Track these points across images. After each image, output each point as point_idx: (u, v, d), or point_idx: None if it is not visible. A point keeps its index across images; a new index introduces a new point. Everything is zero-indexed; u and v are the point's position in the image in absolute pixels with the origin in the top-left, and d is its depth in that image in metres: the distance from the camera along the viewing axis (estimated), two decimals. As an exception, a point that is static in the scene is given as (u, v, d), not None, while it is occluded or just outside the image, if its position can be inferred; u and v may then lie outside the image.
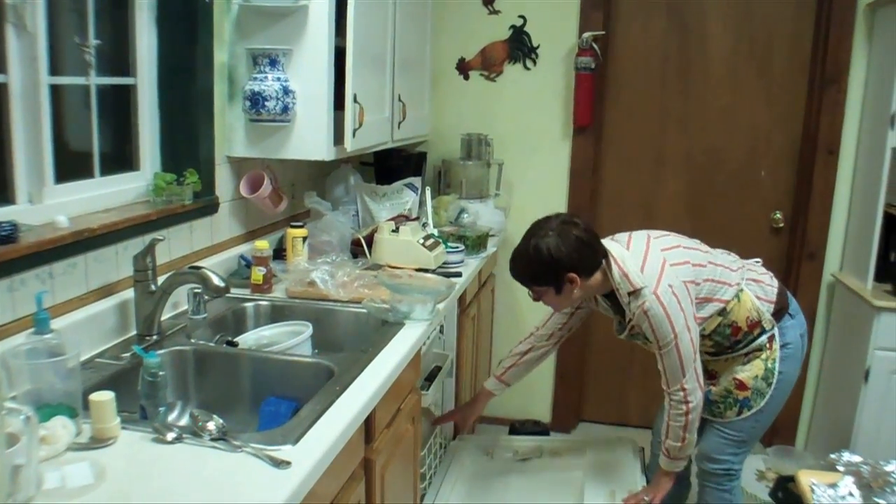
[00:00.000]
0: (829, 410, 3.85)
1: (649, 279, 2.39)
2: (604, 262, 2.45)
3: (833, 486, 1.73)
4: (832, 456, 1.84)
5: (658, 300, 2.36)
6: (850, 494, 1.69)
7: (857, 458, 1.80)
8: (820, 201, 3.81)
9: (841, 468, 1.79)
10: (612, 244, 2.51)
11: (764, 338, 2.60)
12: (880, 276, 3.49)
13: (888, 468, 1.73)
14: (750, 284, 2.60)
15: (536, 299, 2.55)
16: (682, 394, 2.46)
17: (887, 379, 3.36)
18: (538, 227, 2.44)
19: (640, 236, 2.55)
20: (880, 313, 3.31)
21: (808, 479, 1.80)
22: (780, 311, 2.62)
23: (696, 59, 3.92)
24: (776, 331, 2.61)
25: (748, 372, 2.62)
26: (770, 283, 2.65)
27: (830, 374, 3.87)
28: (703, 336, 2.55)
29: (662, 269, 2.41)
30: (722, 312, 2.54)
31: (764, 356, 2.62)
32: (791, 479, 1.92)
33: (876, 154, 3.44)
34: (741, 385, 2.62)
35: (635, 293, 2.39)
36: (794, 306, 2.70)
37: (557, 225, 2.41)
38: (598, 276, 2.46)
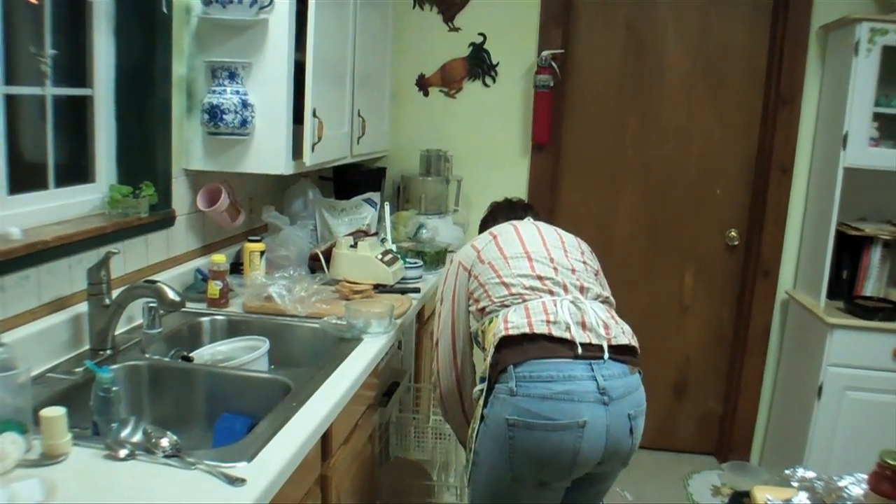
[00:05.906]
0: (783, 426, 3.89)
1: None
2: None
3: (787, 501, 1.73)
4: (787, 471, 1.84)
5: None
6: (805, 510, 1.71)
7: (811, 474, 1.81)
8: (774, 219, 3.87)
9: (795, 484, 1.79)
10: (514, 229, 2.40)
11: (480, 385, 2.07)
12: (833, 294, 3.57)
13: (841, 483, 1.75)
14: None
15: None
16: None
17: (840, 395, 3.41)
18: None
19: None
20: (833, 330, 3.36)
21: (764, 495, 1.82)
22: (503, 370, 1.95)
23: (653, 77, 3.97)
24: (484, 386, 2.02)
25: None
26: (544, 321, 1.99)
27: (784, 390, 3.92)
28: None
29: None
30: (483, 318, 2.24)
31: (476, 412, 2.08)
32: (746, 495, 1.92)
33: (829, 173, 3.51)
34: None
35: None
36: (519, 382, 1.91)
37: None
38: None
